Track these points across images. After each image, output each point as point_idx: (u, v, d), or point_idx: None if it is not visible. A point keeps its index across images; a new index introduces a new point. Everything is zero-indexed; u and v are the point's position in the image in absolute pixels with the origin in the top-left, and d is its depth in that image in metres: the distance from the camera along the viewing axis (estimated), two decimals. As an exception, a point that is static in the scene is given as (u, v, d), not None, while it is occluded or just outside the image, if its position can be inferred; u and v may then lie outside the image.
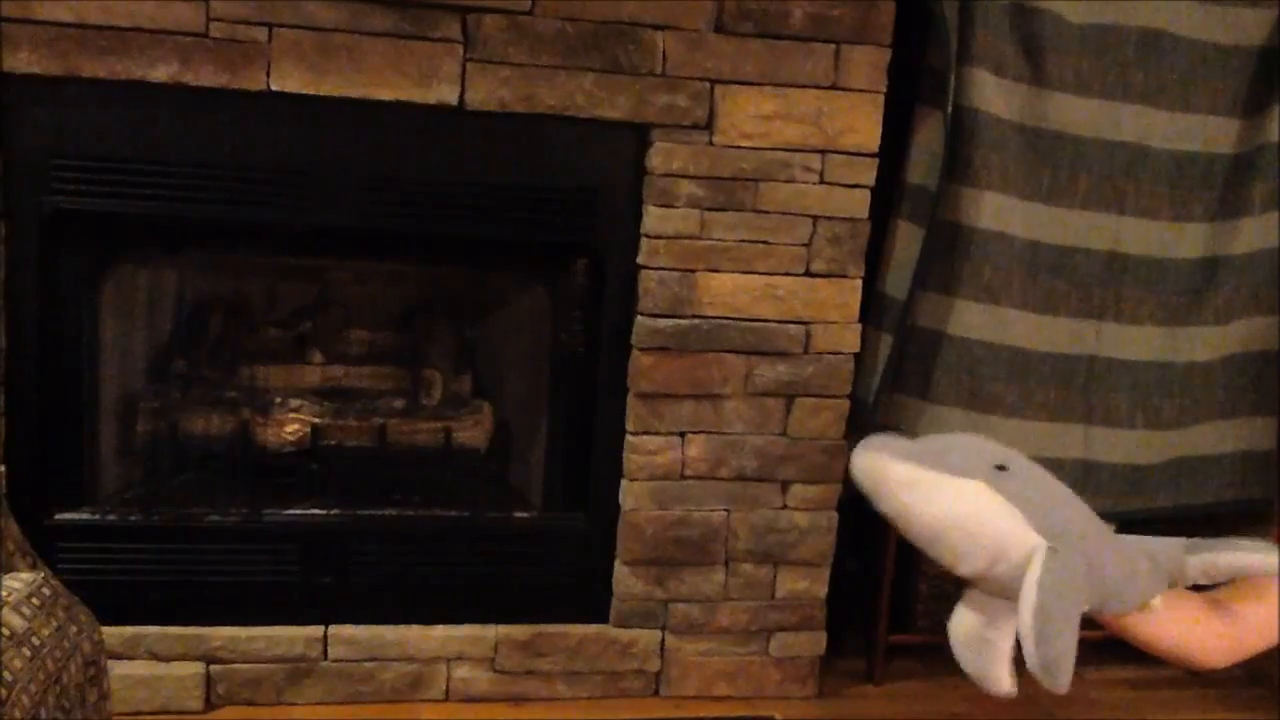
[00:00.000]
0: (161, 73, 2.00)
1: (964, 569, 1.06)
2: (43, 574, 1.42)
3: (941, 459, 1.06)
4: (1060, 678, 1.00)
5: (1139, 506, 2.48)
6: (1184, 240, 2.46)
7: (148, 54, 1.99)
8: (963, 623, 1.12)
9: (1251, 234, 2.46)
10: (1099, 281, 2.43)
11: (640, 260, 2.23)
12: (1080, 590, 1.04)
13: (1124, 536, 1.13)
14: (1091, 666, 2.65)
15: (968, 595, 1.13)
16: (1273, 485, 2.56)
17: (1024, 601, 1.00)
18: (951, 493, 1.04)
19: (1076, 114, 2.34)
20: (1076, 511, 1.08)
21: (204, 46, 2.01)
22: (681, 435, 2.31)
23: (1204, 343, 2.49)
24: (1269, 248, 2.46)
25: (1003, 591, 1.06)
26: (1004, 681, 1.09)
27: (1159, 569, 1.14)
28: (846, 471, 2.37)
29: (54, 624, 1.34)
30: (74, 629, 1.38)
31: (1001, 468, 1.05)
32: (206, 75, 2.02)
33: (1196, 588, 1.20)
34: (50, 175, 2.02)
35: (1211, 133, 2.42)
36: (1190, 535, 1.19)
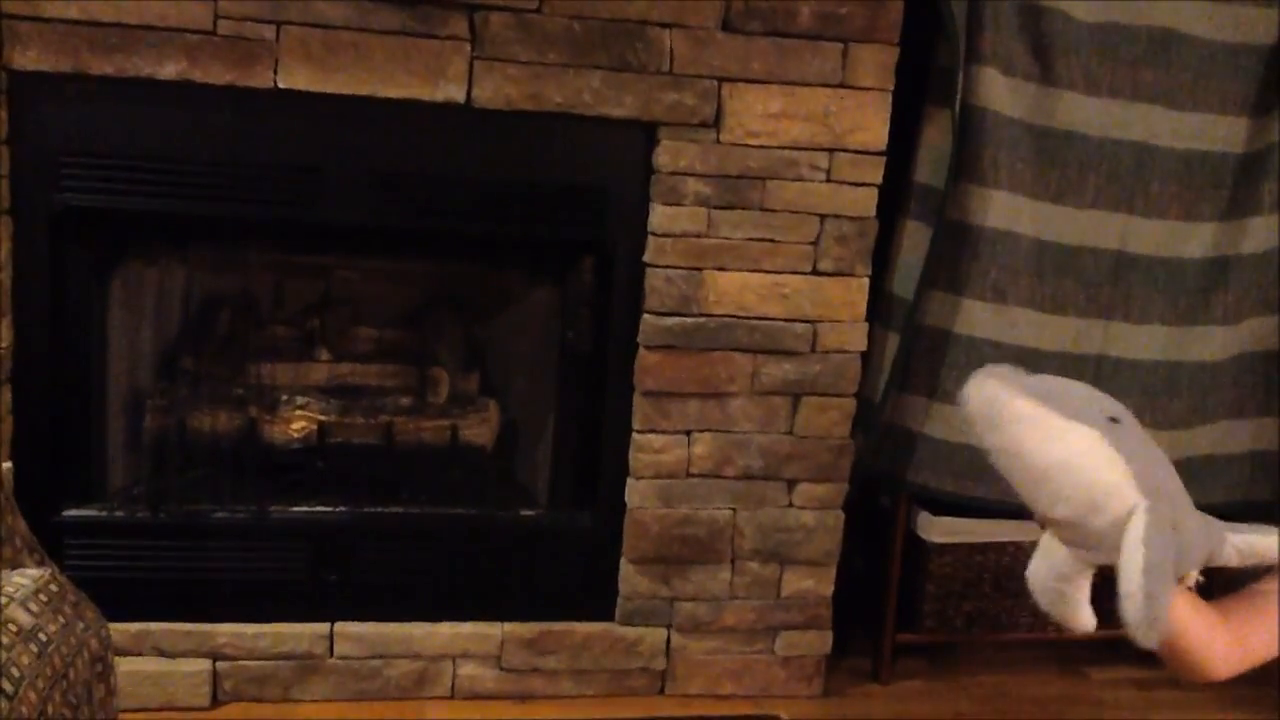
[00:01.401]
0: (170, 70, 2.01)
1: (1059, 512, 1.06)
2: (50, 570, 1.42)
3: (1061, 401, 1.06)
4: (1158, 634, 1.02)
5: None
6: (1193, 240, 2.45)
7: (156, 51, 1.99)
8: (1039, 573, 1.12)
9: (1261, 234, 2.44)
10: (1107, 281, 2.42)
11: (647, 258, 2.23)
12: (1172, 550, 1.05)
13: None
14: (1098, 666, 2.65)
15: (1042, 544, 1.12)
16: (1281, 486, 2.55)
17: (1129, 559, 1.01)
18: (1069, 436, 1.05)
19: (1085, 113, 2.33)
20: (1170, 473, 1.10)
21: (212, 44, 2.01)
22: (688, 434, 2.30)
23: (1212, 343, 2.48)
24: (1278, 248, 2.45)
25: (1083, 541, 1.06)
26: (1086, 622, 1.10)
27: (1210, 542, 1.14)
28: (853, 470, 2.39)
29: (61, 620, 1.34)
30: (81, 625, 1.38)
31: (1115, 420, 1.06)
32: (214, 73, 2.02)
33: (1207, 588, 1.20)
34: (59, 172, 2.03)
35: (1221, 132, 2.41)
36: None
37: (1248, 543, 1.17)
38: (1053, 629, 2.62)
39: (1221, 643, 1.17)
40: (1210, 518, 1.17)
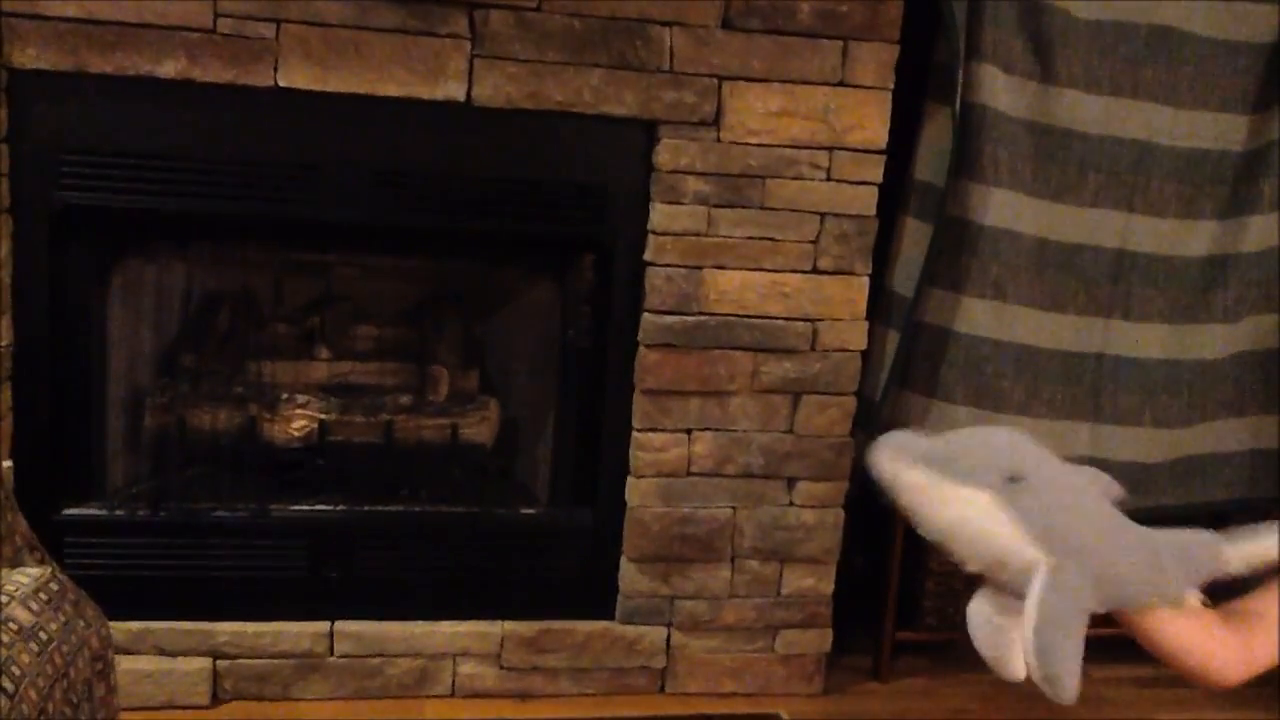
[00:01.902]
0: (169, 69, 2.01)
1: (971, 568, 1.08)
2: (50, 569, 1.42)
3: (954, 465, 1.07)
4: (1063, 692, 1.03)
5: (1147, 505, 2.47)
6: (1193, 238, 2.45)
7: (155, 50, 1.99)
8: (979, 611, 1.13)
9: (1261, 231, 2.44)
10: (1107, 279, 2.42)
11: (647, 257, 2.23)
12: (1084, 604, 1.05)
13: (1152, 531, 1.13)
14: (1100, 665, 2.65)
15: (983, 586, 1.14)
16: (1281, 484, 2.55)
17: (1026, 620, 1.03)
18: (957, 503, 1.06)
19: (1085, 111, 2.33)
20: (1091, 518, 1.09)
21: (211, 42, 2.01)
22: (688, 432, 2.30)
23: (1213, 341, 2.48)
24: (1278, 246, 2.45)
25: (1010, 590, 1.08)
26: (1018, 669, 1.10)
27: (1191, 564, 1.13)
28: (853, 468, 2.39)
29: (62, 619, 1.34)
30: (81, 623, 1.38)
31: (1014, 479, 1.06)
32: (214, 71, 2.02)
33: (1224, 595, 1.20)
34: (59, 171, 2.03)
35: (1221, 130, 2.41)
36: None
37: (1253, 548, 1.16)
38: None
39: (1226, 650, 1.17)
40: (1200, 535, 1.15)
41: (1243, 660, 1.18)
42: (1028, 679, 1.09)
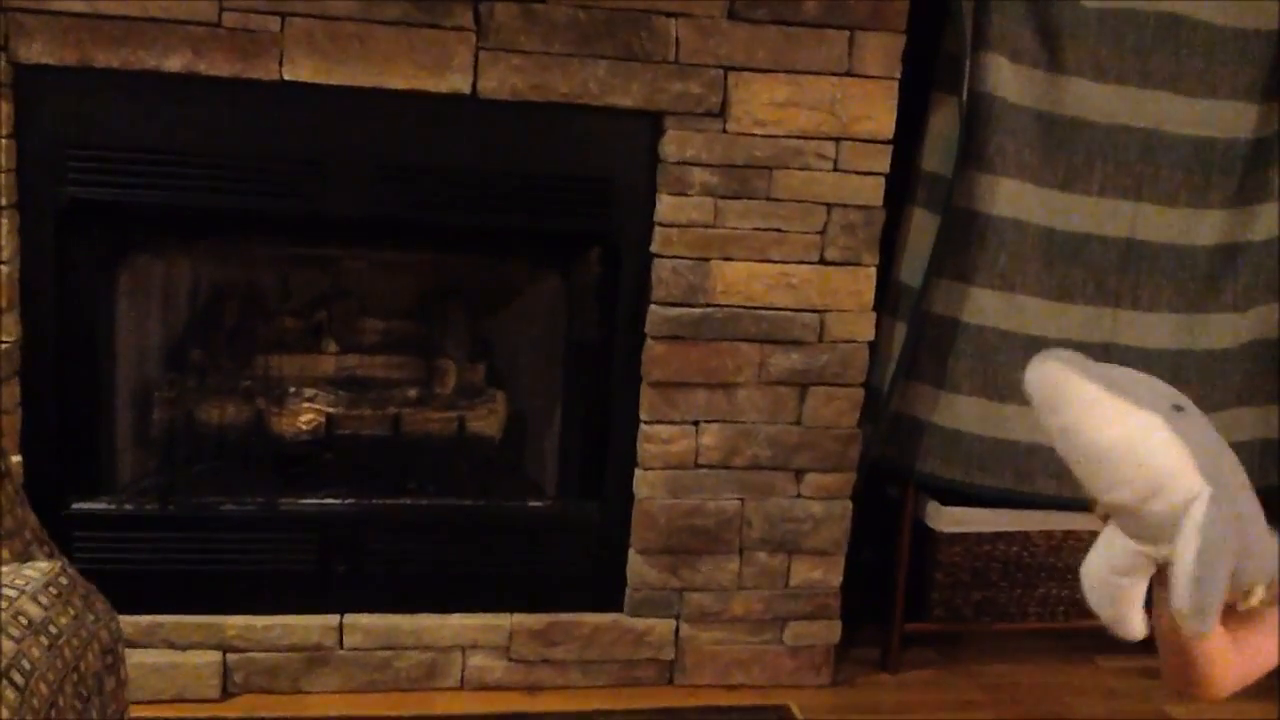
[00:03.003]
0: (175, 63, 2.00)
1: (1120, 495, 1.04)
2: (60, 563, 1.43)
3: (1124, 386, 1.05)
4: (1208, 622, 1.01)
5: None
6: (1202, 227, 2.44)
7: (161, 44, 1.99)
8: (1096, 567, 1.09)
9: (1270, 220, 2.43)
10: (1116, 269, 2.41)
11: (654, 249, 2.22)
12: (1234, 542, 1.02)
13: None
14: (1108, 656, 2.65)
15: (1101, 539, 1.10)
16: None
17: (1186, 544, 1.00)
18: (1131, 419, 1.03)
19: (1093, 100, 2.32)
20: (1236, 469, 1.07)
21: (217, 36, 2.01)
22: (695, 424, 2.30)
23: (1222, 330, 2.47)
24: (1287, 234, 2.44)
25: (1143, 531, 1.04)
26: (1137, 628, 1.07)
27: (1273, 554, 1.11)
28: (861, 460, 2.38)
29: (71, 613, 1.34)
30: (91, 618, 1.38)
31: (1179, 409, 1.04)
32: (220, 65, 2.02)
33: None
34: (65, 165, 2.03)
35: (1229, 118, 2.40)
36: None
37: None
38: (1061, 617, 2.62)
39: (1227, 658, 1.15)
40: (1275, 530, 1.14)
41: (1238, 671, 1.17)
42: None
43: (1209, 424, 1.07)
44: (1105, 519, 1.09)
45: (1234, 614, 1.17)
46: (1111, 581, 1.07)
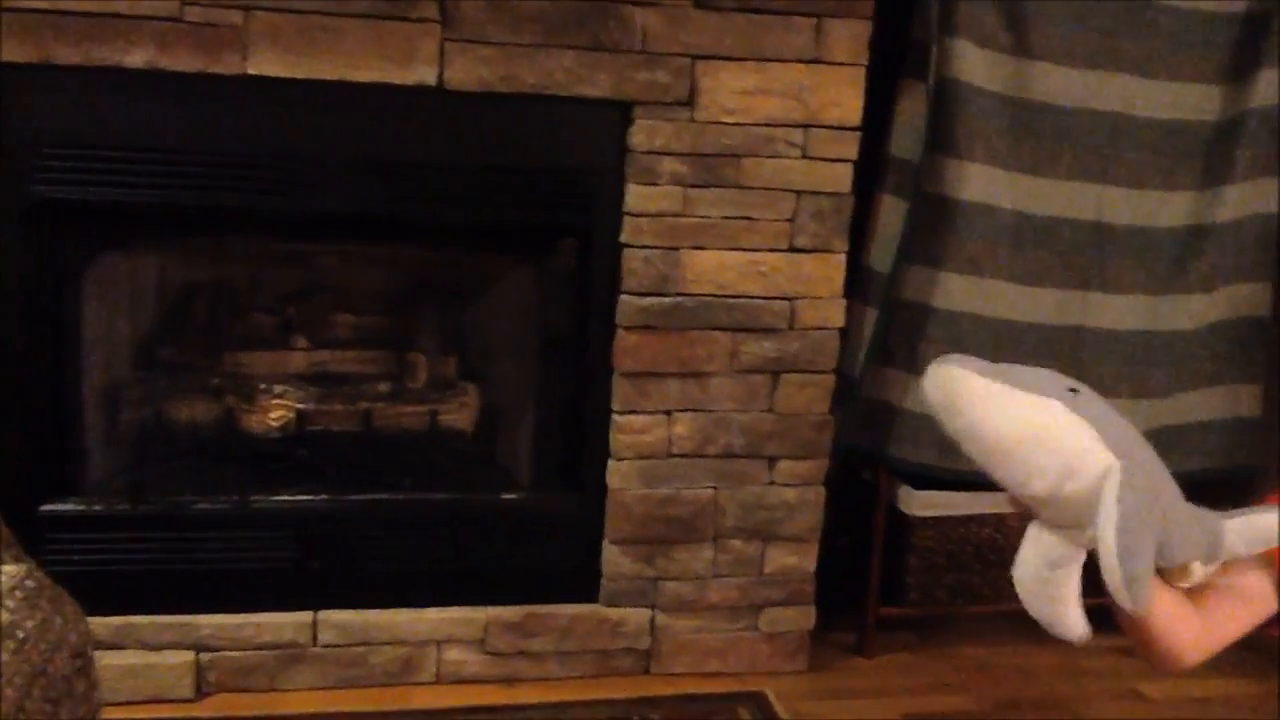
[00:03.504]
0: (138, 58, 1.98)
1: (1035, 486, 1.05)
2: (27, 566, 1.41)
3: (1018, 377, 1.07)
4: (1141, 594, 1.00)
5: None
6: (1169, 209, 2.45)
7: (123, 39, 1.97)
8: (1026, 565, 1.09)
9: (1235, 201, 2.46)
10: (1085, 252, 2.42)
11: (624, 239, 2.22)
12: (1154, 513, 1.03)
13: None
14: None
15: (1029, 535, 1.11)
16: (1259, 452, 2.57)
17: (1105, 518, 1.00)
18: (1029, 407, 1.04)
19: (1060, 84, 2.33)
20: (1141, 442, 1.09)
21: (179, 31, 1.98)
22: (668, 413, 2.30)
23: (1190, 311, 2.50)
24: (1253, 214, 2.46)
25: (1067, 517, 1.05)
26: (1076, 625, 1.06)
27: (1203, 534, 1.13)
28: (834, 446, 2.39)
29: (39, 616, 1.33)
30: (60, 620, 1.37)
31: (1074, 390, 1.06)
32: (184, 60, 2.00)
33: None
34: (31, 164, 2.00)
35: (1195, 100, 2.41)
36: None
37: (1248, 524, 1.15)
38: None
39: (1194, 633, 1.17)
40: (1205, 511, 1.15)
41: (1204, 642, 1.18)
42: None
43: (1107, 404, 1.09)
44: (1025, 517, 1.10)
45: (1193, 588, 1.19)
46: (1045, 578, 1.07)
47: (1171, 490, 1.11)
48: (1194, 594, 1.20)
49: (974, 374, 1.07)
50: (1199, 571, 1.13)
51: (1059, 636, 1.07)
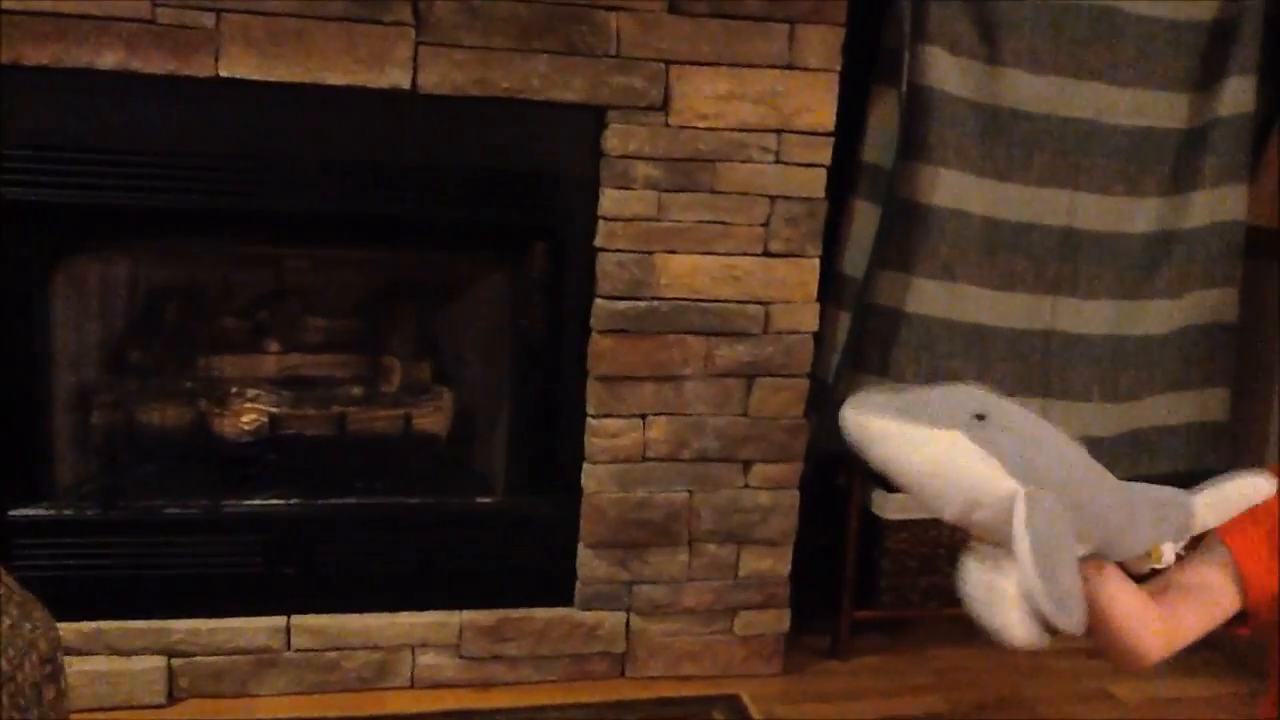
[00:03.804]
0: (108, 60, 1.97)
1: (946, 515, 1.07)
2: (-5, 571, 1.40)
3: (921, 410, 1.07)
4: (1073, 614, 1.00)
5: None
6: (1138, 215, 2.48)
7: (93, 41, 1.96)
8: (969, 573, 1.10)
9: (1203, 208, 2.48)
10: (1055, 257, 2.44)
11: (598, 243, 2.22)
12: (1068, 530, 1.04)
13: (1128, 484, 1.15)
14: (1053, 637, 2.69)
15: (968, 544, 1.12)
16: (1227, 455, 2.59)
17: (1018, 545, 1.01)
18: (927, 443, 1.06)
19: (1031, 91, 2.35)
20: (1062, 457, 1.09)
21: (151, 33, 1.97)
22: (643, 417, 2.31)
23: (1158, 316, 2.52)
24: (1220, 221, 2.49)
25: (990, 536, 1.07)
26: (1020, 632, 1.06)
27: (1165, 518, 1.15)
28: (808, 449, 2.40)
29: (7, 622, 1.32)
30: (29, 626, 1.36)
31: (980, 417, 1.07)
32: (155, 62, 1.98)
33: None
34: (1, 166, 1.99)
35: (1163, 108, 2.44)
36: None
37: (1218, 494, 1.18)
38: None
39: (1155, 630, 1.19)
40: (1172, 490, 1.18)
41: (1166, 639, 1.20)
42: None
43: (1028, 420, 1.09)
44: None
45: (1158, 583, 1.21)
46: (986, 583, 1.07)
47: (1106, 489, 1.11)
48: (1156, 592, 1.21)
49: (874, 416, 1.09)
50: (1169, 551, 1.16)
51: (1007, 644, 1.06)
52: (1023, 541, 1.00)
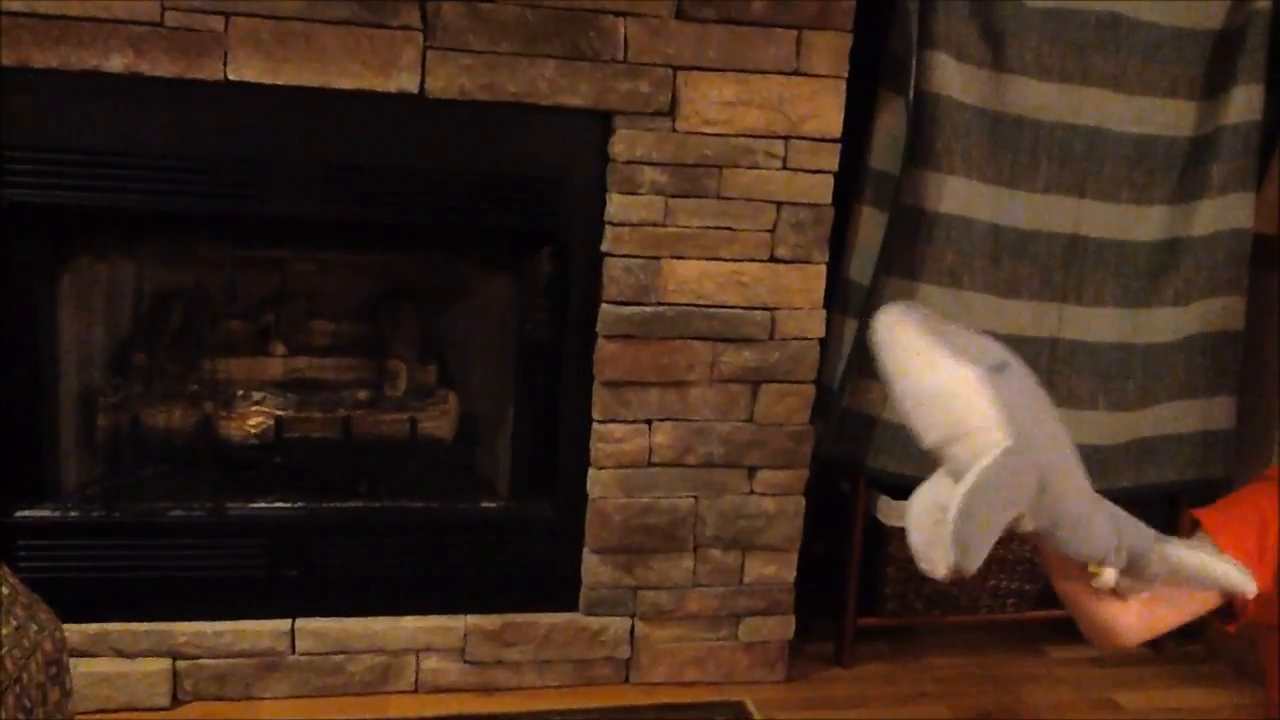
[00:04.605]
0: (116, 63, 1.97)
1: (927, 439, 1.12)
2: (1, 573, 1.40)
3: (952, 340, 1.12)
4: (968, 559, 1.06)
5: (1101, 486, 2.48)
6: (1144, 223, 2.48)
7: (101, 44, 1.96)
8: (920, 499, 1.15)
9: (1209, 216, 2.48)
10: (1061, 264, 2.44)
11: (604, 248, 2.22)
12: (1019, 495, 1.10)
13: (1101, 497, 1.18)
14: (1055, 645, 2.69)
15: (932, 478, 1.17)
16: (1233, 464, 2.59)
17: (963, 481, 1.07)
18: (946, 368, 1.10)
19: (1037, 98, 2.35)
20: (1054, 439, 1.14)
21: (159, 36, 1.98)
22: (648, 422, 2.30)
23: (1164, 324, 2.52)
24: (1226, 229, 2.49)
25: (955, 471, 1.11)
26: (942, 563, 1.11)
27: (1121, 543, 1.17)
28: (813, 456, 2.40)
29: (13, 623, 1.32)
30: (34, 627, 1.36)
31: (1001, 368, 1.11)
32: (163, 65, 1.99)
33: None
34: (3, 168, 1.99)
35: (1170, 116, 2.44)
36: (1153, 515, 1.22)
37: (1178, 558, 1.20)
38: (1011, 609, 2.66)
39: (1130, 609, 1.21)
40: (1133, 522, 1.20)
41: (1145, 621, 1.23)
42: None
43: (1036, 387, 1.14)
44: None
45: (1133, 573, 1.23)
46: (931, 513, 1.12)
47: (1076, 486, 1.15)
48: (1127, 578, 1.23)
49: (912, 325, 1.14)
50: (1109, 576, 1.19)
51: (925, 569, 1.12)
52: (970, 478, 1.06)
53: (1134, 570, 1.19)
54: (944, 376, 1.09)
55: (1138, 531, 1.20)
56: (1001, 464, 1.07)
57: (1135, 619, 1.23)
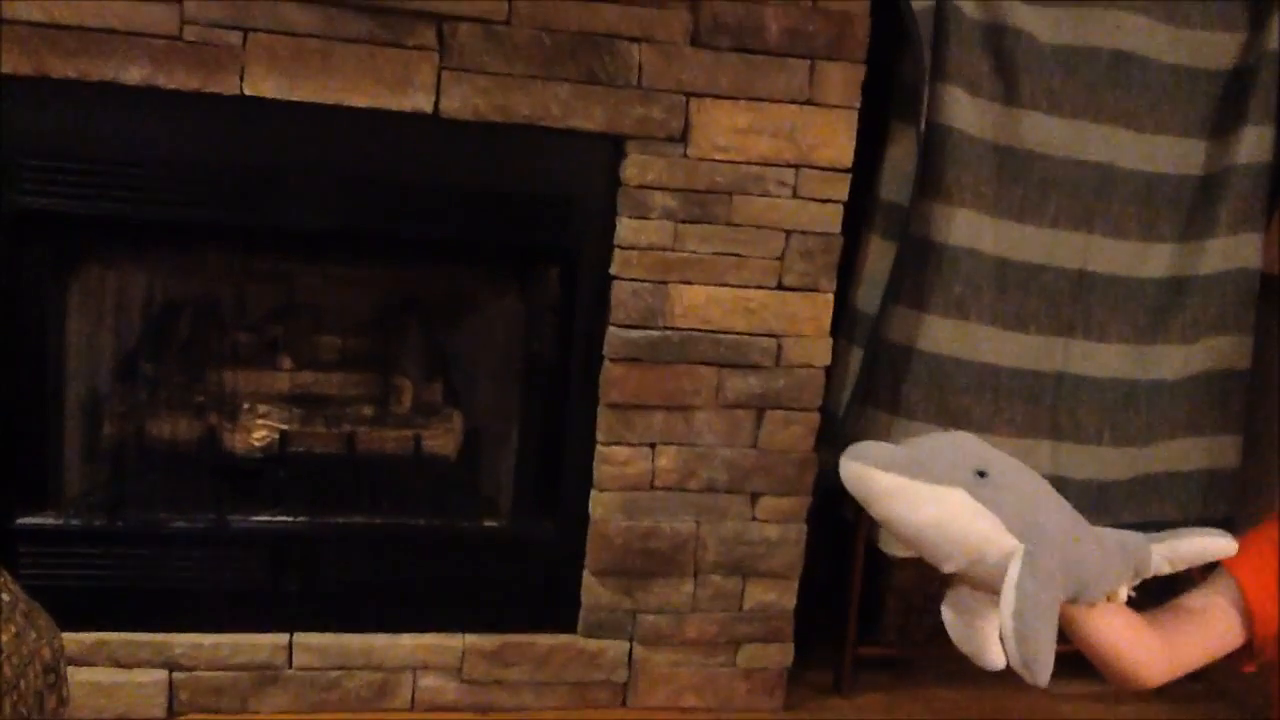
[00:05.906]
0: (134, 75, 1.99)
1: (947, 567, 1.12)
2: (2, 580, 1.40)
3: (924, 466, 1.11)
4: (1040, 673, 1.06)
5: (1105, 522, 2.48)
6: (1152, 260, 2.48)
7: (119, 55, 1.97)
8: (952, 610, 1.19)
9: (1218, 254, 2.48)
10: (1068, 299, 2.44)
11: (613, 271, 2.23)
12: (1056, 589, 1.10)
13: (1098, 529, 1.19)
14: (1057, 680, 2.67)
15: (954, 587, 1.18)
16: (1237, 502, 2.58)
17: (1004, 604, 1.07)
18: (932, 500, 1.10)
19: (1048, 133, 2.36)
20: (1054, 510, 1.14)
21: (177, 49, 1.99)
22: (652, 446, 2.31)
23: (1170, 361, 2.51)
24: (1234, 268, 2.49)
25: (984, 585, 1.13)
26: (996, 658, 1.16)
27: (1128, 559, 1.20)
28: (816, 483, 2.40)
29: (12, 630, 1.32)
30: (33, 635, 1.36)
31: (982, 474, 1.11)
32: (179, 78, 2.00)
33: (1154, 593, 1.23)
34: (17, 175, 2.00)
35: (1180, 154, 2.44)
36: None
37: (1172, 549, 1.22)
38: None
39: (1151, 652, 1.22)
40: (1132, 534, 1.22)
41: (1167, 662, 1.24)
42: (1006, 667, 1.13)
43: (1022, 472, 1.15)
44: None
45: (1160, 610, 1.26)
46: (968, 619, 1.17)
47: (1086, 538, 1.16)
48: (1161, 617, 1.27)
49: (877, 471, 1.12)
50: (1124, 591, 1.21)
51: (981, 666, 1.18)
52: (1010, 601, 1.06)
53: (1140, 575, 1.21)
54: (931, 511, 1.09)
55: (1136, 543, 1.21)
56: (1029, 570, 1.07)
57: (1153, 658, 1.23)
